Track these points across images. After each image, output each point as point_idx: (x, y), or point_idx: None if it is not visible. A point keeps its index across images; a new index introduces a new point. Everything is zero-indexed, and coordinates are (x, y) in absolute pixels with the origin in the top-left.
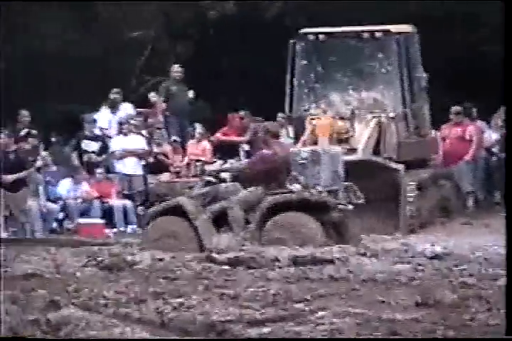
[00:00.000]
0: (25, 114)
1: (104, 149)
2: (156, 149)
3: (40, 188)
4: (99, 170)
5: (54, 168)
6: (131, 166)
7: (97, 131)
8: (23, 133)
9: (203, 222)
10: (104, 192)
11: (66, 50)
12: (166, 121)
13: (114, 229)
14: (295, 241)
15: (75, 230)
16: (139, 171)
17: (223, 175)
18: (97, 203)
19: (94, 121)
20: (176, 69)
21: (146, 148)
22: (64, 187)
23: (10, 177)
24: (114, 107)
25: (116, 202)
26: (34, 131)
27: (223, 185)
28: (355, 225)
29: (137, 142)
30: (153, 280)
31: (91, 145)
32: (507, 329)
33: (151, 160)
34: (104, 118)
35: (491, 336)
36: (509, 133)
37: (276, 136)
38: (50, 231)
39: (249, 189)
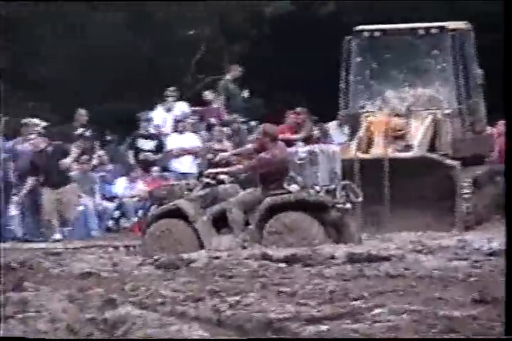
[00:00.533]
0: (82, 113)
1: (159, 147)
2: (216, 146)
3: (96, 187)
4: (155, 169)
5: (110, 167)
6: (186, 164)
7: (153, 130)
8: (78, 131)
9: (203, 224)
10: None
11: (121, 50)
12: (224, 119)
13: None
14: (295, 240)
15: (131, 228)
16: (194, 169)
17: (222, 176)
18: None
19: (150, 119)
20: (235, 68)
21: (201, 146)
22: (120, 185)
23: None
24: (169, 106)
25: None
26: (89, 130)
27: (222, 186)
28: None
29: (192, 140)
30: (209, 278)
31: (146, 144)
32: (507, 329)
33: (210, 156)
34: (159, 117)
35: None
36: (509, 133)
37: (274, 137)
38: (106, 230)
39: (248, 190)
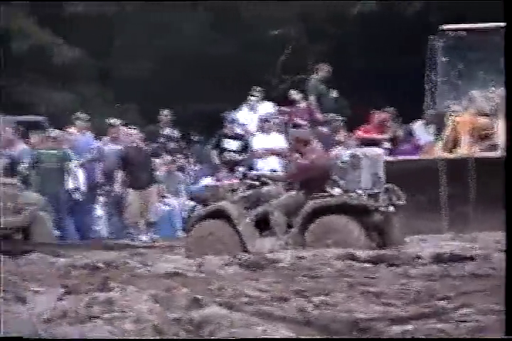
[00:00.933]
0: (166, 113)
1: (244, 147)
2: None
3: (181, 187)
4: (240, 169)
5: (196, 167)
6: (272, 165)
7: (239, 130)
8: (164, 132)
9: (246, 225)
10: None
11: (206, 50)
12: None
13: None
14: (337, 244)
15: None
16: (280, 169)
17: (264, 179)
18: None
19: (235, 119)
20: (324, 67)
21: (287, 146)
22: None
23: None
24: (254, 106)
25: None
26: (175, 130)
27: (265, 188)
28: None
29: (278, 141)
30: (295, 278)
31: (231, 144)
32: (507, 329)
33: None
34: (244, 117)
35: None
36: (509, 130)
37: (308, 143)
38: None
39: (291, 193)
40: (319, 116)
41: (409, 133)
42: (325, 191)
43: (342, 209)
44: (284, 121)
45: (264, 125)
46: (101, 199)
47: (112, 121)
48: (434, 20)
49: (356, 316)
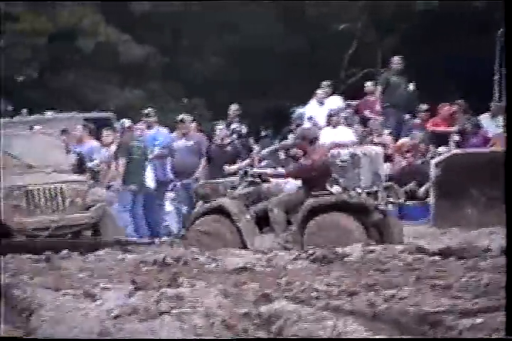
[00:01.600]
0: (234, 108)
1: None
2: (375, 139)
3: None
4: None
5: (264, 162)
6: None
7: (308, 125)
8: (232, 127)
9: (246, 222)
10: None
11: (274, 45)
12: (383, 112)
13: None
14: (336, 241)
15: None
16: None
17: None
18: None
19: (302, 115)
20: (396, 60)
21: (355, 140)
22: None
23: (233, 168)
24: (322, 100)
25: None
26: (243, 126)
27: (266, 185)
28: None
29: (346, 134)
30: (364, 272)
31: None
32: (507, 329)
33: None
34: (313, 112)
35: None
36: (509, 131)
37: (313, 141)
38: None
39: (291, 190)
40: (378, 108)
41: (477, 126)
42: (325, 189)
43: (341, 207)
44: (353, 114)
45: (332, 119)
46: (170, 195)
47: (182, 116)
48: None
49: (425, 309)
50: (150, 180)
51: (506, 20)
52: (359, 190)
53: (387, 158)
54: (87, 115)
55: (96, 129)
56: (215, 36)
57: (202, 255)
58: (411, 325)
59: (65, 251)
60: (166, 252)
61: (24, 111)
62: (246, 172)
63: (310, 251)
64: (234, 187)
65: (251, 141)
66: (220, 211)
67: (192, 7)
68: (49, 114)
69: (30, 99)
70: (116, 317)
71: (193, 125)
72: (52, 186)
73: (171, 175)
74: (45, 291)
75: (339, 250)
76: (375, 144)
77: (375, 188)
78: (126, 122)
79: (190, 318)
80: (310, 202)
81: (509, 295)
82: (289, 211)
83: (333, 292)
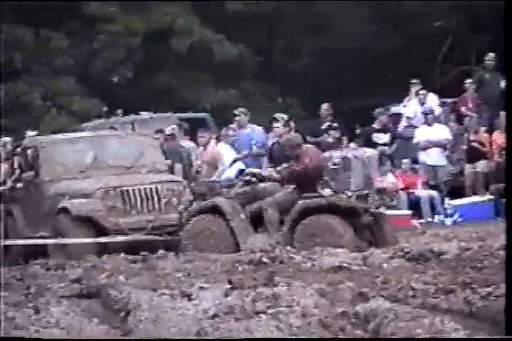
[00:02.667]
0: (326, 107)
1: (393, 140)
2: (471, 137)
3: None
4: (404, 161)
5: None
6: (434, 157)
7: (405, 123)
8: (324, 126)
9: (240, 222)
10: (410, 183)
11: (369, 44)
12: (478, 110)
13: (421, 220)
14: (325, 243)
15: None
16: (443, 162)
17: (264, 173)
18: (403, 194)
19: (385, 112)
20: (490, 57)
21: (450, 138)
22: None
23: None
24: (418, 98)
25: (422, 193)
26: (335, 124)
27: (262, 185)
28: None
29: (441, 132)
30: (460, 269)
31: (381, 137)
32: (507, 329)
33: (464, 147)
34: (409, 110)
35: None
36: (509, 133)
37: (300, 145)
38: None
39: (285, 190)
40: (472, 105)
41: None
42: (316, 191)
43: (331, 209)
44: (448, 112)
45: (428, 117)
46: None
47: (276, 115)
48: None
49: None
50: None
51: (506, 20)
52: (349, 193)
53: (483, 156)
54: (182, 115)
55: (191, 129)
56: (309, 36)
57: (298, 254)
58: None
59: (161, 251)
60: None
61: (119, 111)
62: (242, 172)
63: (406, 250)
64: (229, 186)
65: (345, 139)
66: (215, 210)
67: (286, 6)
68: (144, 114)
69: (125, 99)
70: (212, 316)
71: (288, 124)
72: (148, 186)
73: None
74: (142, 291)
75: (435, 248)
76: (471, 142)
77: (365, 191)
78: (167, 130)
79: (287, 317)
80: (300, 204)
81: (509, 295)
82: (283, 211)
83: (429, 290)
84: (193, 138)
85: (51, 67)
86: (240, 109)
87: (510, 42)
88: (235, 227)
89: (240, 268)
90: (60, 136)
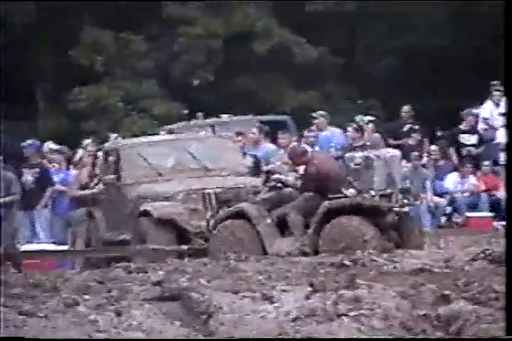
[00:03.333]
0: (406, 110)
1: (481, 141)
2: None
3: (428, 183)
4: (485, 163)
5: (441, 162)
6: None
7: (483, 125)
8: (405, 128)
9: (266, 226)
10: (492, 185)
11: (448, 45)
12: None
13: (503, 222)
14: (350, 244)
15: (463, 224)
16: None
17: (289, 179)
18: (484, 196)
19: (473, 114)
20: None
21: None
22: (451, 181)
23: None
24: (498, 100)
25: (503, 195)
26: (417, 126)
27: (287, 190)
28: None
29: None
30: None
31: (468, 139)
32: (507, 329)
33: None
34: (488, 112)
35: None
36: (509, 131)
37: (305, 152)
38: (438, 226)
39: (308, 194)
40: None
41: None
42: (340, 192)
43: (356, 209)
44: None
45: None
46: None
47: (358, 118)
48: None
49: None
50: None
51: (506, 20)
52: (373, 193)
53: None
54: (263, 118)
55: (272, 132)
56: (391, 36)
57: (379, 257)
58: None
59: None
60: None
61: (200, 114)
62: (268, 178)
63: (488, 252)
64: (256, 193)
65: (426, 141)
66: (241, 215)
67: (368, 7)
68: (225, 117)
69: (206, 102)
70: (294, 319)
71: (370, 126)
72: (228, 189)
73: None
74: (223, 294)
75: None
76: None
77: (389, 190)
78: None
79: (369, 320)
80: (325, 204)
81: (509, 295)
82: (307, 215)
83: None
84: (274, 140)
85: (132, 71)
86: (320, 112)
87: (510, 43)
88: (260, 232)
89: (321, 271)
90: (141, 139)
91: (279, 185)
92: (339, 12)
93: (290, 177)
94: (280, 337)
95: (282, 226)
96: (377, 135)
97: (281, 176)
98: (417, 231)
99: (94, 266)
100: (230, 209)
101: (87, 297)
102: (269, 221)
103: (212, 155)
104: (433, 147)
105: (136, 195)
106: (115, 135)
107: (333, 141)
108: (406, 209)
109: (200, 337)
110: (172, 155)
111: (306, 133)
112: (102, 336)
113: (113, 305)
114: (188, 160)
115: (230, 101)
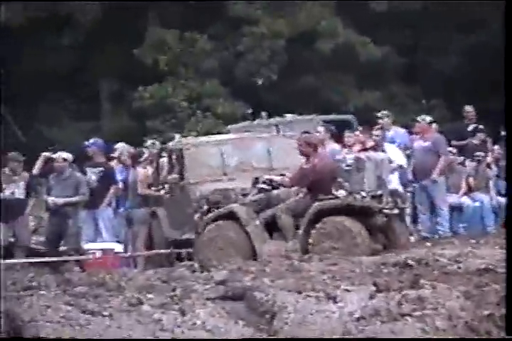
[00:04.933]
0: (469, 110)
1: None
2: None
3: (491, 182)
4: None
5: (504, 162)
6: None
7: None
8: (470, 128)
9: (255, 228)
10: None
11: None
12: None
13: None
14: (340, 244)
15: None
16: None
17: (276, 179)
18: None
19: None
20: None
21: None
22: None
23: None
24: None
25: None
26: (481, 126)
27: (275, 191)
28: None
29: None
30: None
31: None
32: (507, 329)
33: None
34: None
35: None
36: (509, 131)
37: (316, 147)
38: (502, 226)
39: (298, 196)
40: None
41: None
42: (331, 193)
43: (347, 210)
44: None
45: None
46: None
47: (422, 117)
48: None
49: None
50: (396, 183)
51: (506, 20)
52: (364, 194)
53: None
54: (326, 117)
55: (337, 132)
56: (456, 34)
57: (443, 257)
58: None
59: (307, 255)
60: (408, 254)
61: (263, 114)
62: (257, 179)
63: None
64: (245, 195)
65: (490, 141)
66: (231, 217)
67: (432, 6)
68: (289, 116)
69: (269, 101)
70: (358, 319)
71: (433, 126)
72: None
73: (410, 176)
74: (287, 293)
75: None
76: None
77: (379, 192)
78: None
79: (433, 320)
80: (315, 205)
81: (509, 295)
82: (298, 216)
83: None
84: (338, 140)
85: (196, 70)
86: (383, 112)
87: (510, 43)
88: (250, 233)
89: (385, 271)
90: (205, 138)
91: (267, 187)
92: (405, 11)
93: (278, 177)
94: (345, 337)
95: (270, 229)
96: (439, 136)
97: (272, 176)
98: (403, 234)
99: (157, 265)
100: (219, 210)
101: (150, 296)
102: (257, 223)
103: (277, 155)
104: (496, 147)
105: (199, 195)
106: (179, 135)
107: (397, 140)
108: (395, 210)
109: (265, 336)
110: (236, 154)
111: (374, 131)
112: (166, 335)
113: (177, 304)
114: (252, 160)
115: (293, 100)
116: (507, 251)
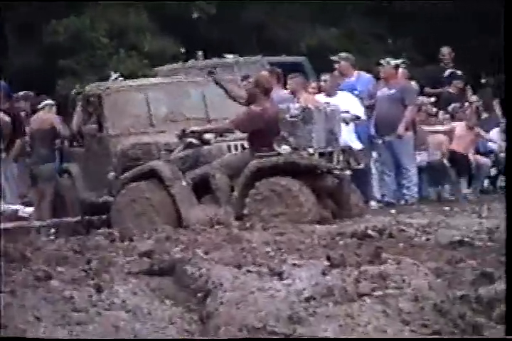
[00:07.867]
0: (445, 52)
1: None
2: None
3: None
4: None
5: (484, 116)
6: None
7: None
8: (446, 74)
9: (181, 189)
10: None
11: None
12: None
13: None
14: (282, 209)
15: None
16: None
17: (207, 136)
18: None
19: None
20: None
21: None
22: (495, 138)
23: None
24: None
25: None
26: (459, 72)
27: (206, 147)
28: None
29: None
30: None
31: None
32: (507, 329)
33: None
34: None
35: None
36: (509, 131)
37: (267, 90)
38: (480, 192)
39: (234, 152)
40: None
41: None
42: (273, 149)
43: (290, 169)
44: None
45: None
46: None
47: (387, 60)
48: None
49: None
50: (351, 139)
51: (506, 20)
52: (311, 151)
53: None
54: (274, 59)
55: (284, 75)
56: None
57: (410, 226)
58: None
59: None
60: (368, 222)
61: (199, 53)
62: (183, 132)
63: None
64: (169, 150)
65: (469, 89)
66: (152, 176)
67: None
68: (229, 57)
69: (206, 39)
70: (308, 299)
71: (400, 70)
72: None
73: (372, 131)
74: (224, 268)
75: None
76: None
77: (329, 149)
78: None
79: (396, 301)
80: (254, 163)
81: (509, 295)
82: (234, 176)
83: None
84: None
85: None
86: (341, 54)
87: (510, 43)
88: (175, 195)
89: (340, 243)
90: (129, 82)
91: (197, 141)
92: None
93: (208, 126)
94: (291, 320)
95: (198, 191)
96: (411, 82)
97: (196, 127)
98: (355, 198)
99: (70, 233)
100: (138, 168)
101: (61, 269)
102: (184, 183)
103: (214, 103)
104: (474, 97)
105: (121, 149)
106: (117, 74)
107: (359, 88)
108: (348, 172)
109: (196, 318)
110: (165, 102)
111: (323, 77)
112: (78, 315)
113: (92, 279)
114: (185, 109)
115: (235, 38)
116: (506, 247)
